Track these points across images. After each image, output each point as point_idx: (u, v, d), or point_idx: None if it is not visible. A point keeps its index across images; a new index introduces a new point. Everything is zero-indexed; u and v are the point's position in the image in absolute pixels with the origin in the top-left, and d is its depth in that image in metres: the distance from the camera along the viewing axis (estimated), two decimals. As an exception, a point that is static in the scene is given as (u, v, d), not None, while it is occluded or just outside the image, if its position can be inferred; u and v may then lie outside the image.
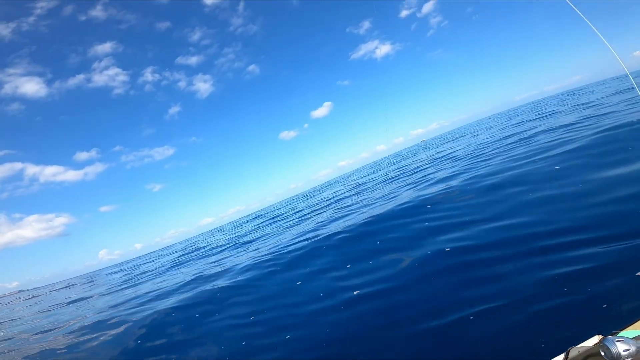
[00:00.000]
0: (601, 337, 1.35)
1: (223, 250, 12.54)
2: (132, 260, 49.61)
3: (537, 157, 6.76)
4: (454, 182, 7.28)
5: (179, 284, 7.80)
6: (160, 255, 28.38)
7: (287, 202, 40.06)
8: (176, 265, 13.54)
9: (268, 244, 9.31)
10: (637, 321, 1.40)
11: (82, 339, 5.56)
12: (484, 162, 8.46)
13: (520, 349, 2.36)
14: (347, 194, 14.90)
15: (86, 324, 6.57)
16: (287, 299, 4.59)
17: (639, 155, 5.18)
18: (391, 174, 15.90)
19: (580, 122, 9.28)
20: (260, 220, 21.47)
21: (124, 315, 6.24)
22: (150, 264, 20.71)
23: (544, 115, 16.56)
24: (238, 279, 6.17)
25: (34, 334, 7.18)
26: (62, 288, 27.43)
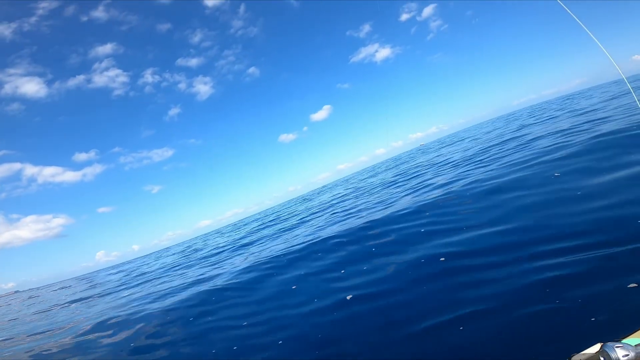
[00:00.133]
0: (602, 344, 1.37)
1: (220, 252, 12.51)
2: (130, 262, 49.43)
3: (534, 162, 6.78)
4: (451, 187, 7.30)
5: (175, 287, 7.79)
6: (158, 257, 28.28)
7: (285, 205, 40.05)
8: (174, 266, 13.50)
9: (265, 247, 9.31)
10: (638, 330, 1.44)
11: (75, 340, 5.53)
12: (482, 167, 8.49)
13: (508, 354, 2.37)
14: (346, 198, 14.92)
15: (80, 325, 6.54)
16: (281, 301, 4.61)
17: (635, 160, 5.21)
18: (389, 178, 15.92)
19: (577, 127, 9.33)
20: (259, 223, 21.45)
21: (120, 316, 6.21)
22: (148, 265, 20.63)
23: (542, 119, 16.64)
24: (234, 281, 6.17)
25: (28, 336, 7.15)
26: (58, 289, 27.28)
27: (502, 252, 3.73)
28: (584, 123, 9.80)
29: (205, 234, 55.61)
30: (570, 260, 3.11)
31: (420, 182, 10.03)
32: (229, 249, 12.69)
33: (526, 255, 3.47)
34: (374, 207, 8.70)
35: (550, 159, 6.63)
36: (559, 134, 9.19)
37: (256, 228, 18.10)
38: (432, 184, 8.74)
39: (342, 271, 4.88)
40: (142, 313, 5.95)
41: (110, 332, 5.51)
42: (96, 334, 5.59)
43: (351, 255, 5.44)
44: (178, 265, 13.43)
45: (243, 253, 9.95)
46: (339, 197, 16.74)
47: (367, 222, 6.79)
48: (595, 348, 1.44)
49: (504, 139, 13.32)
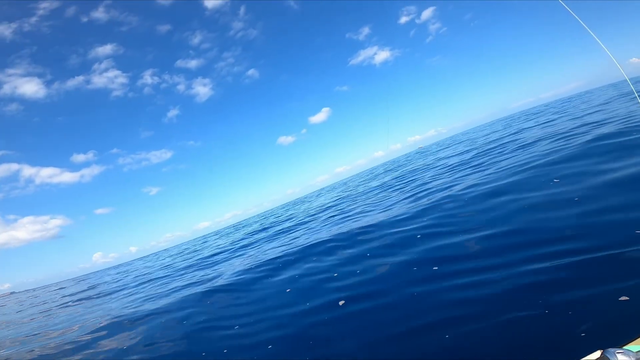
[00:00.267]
0: (602, 350, 1.37)
1: (217, 254, 12.50)
2: (128, 263, 49.33)
3: (531, 165, 6.77)
4: (448, 191, 7.28)
5: (170, 289, 7.77)
6: (155, 259, 28.21)
7: (283, 207, 40.06)
8: (171, 268, 13.46)
9: (262, 249, 9.30)
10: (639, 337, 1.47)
11: (58, 344, 5.48)
12: (480, 171, 8.48)
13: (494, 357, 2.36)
14: (343, 201, 14.92)
15: (74, 327, 6.50)
16: (274, 302, 4.63)
17: (633, 163, 5.19)
18: (387, 182, 15.94)
19: (575, 130, 9.33)
20: (257, 226, 21.45)
21: (116, 318, 6.18)
22: (145, 267, 20.57)
23: (540, 122, 16.67)
24: (229, 282, 6.18)
25: (19, 338, 7.09)
26: (54, 290, 27.16)
27: (494, 255, 3.72)
28: (581, 126, 9.81)
29: (204, 236, 55.55)
30: (558, 264, 3.10)
31: (417, 186, 10.03)
32: (227, 250, 12.68)
33: (517, 259, 3.47)
34: (371, 211, 8.69)
35: (548, 162, 6.62)
36: (556, 138, 9.19)
37: (254, 230, 18.09)
38: (430, 188, 8.73)
39: (335, 274, 4.86)
40: (135, 315, 5.94)
41: (103, 333, 5.46)
42: (89, 336, 5.54)
43: (345, 258, 5.43)
44: (174, 267, 13.39)
45: (240, 255, 9.94)
46: (337, 200, 16.74)
47: (363, 226, 6.77)
48: (596, 354, 1.44)
49: (503, 141, 13.34)
